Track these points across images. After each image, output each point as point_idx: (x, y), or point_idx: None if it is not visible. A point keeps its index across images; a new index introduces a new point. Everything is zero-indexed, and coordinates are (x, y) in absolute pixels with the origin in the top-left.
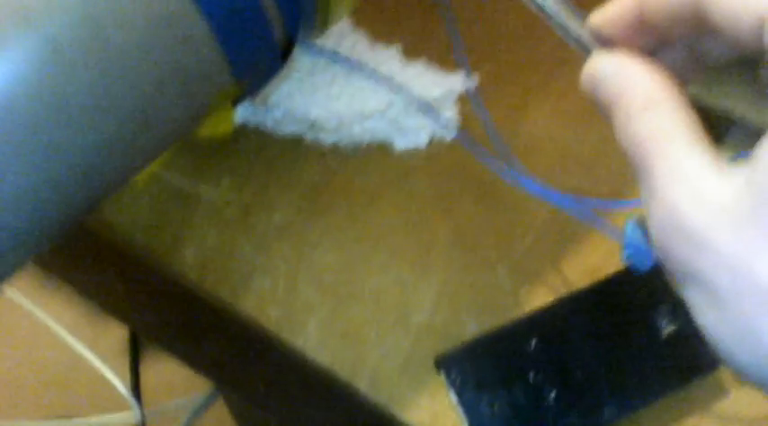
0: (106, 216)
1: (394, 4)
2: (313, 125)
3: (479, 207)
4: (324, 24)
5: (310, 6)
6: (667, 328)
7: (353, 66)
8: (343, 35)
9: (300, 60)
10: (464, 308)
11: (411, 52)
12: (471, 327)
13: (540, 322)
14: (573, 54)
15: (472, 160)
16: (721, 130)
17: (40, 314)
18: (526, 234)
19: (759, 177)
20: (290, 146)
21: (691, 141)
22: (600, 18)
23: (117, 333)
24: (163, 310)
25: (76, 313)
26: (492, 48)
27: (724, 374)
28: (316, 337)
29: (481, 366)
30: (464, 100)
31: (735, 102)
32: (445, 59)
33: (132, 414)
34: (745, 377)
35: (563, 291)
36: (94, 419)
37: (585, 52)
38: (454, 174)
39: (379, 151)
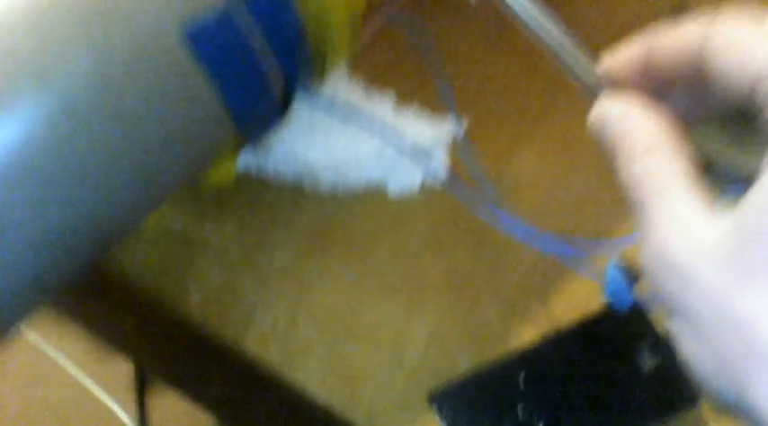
0: (115, 257)
1: (386, 55)
2: (312, 171)
3: (470, 248)
4: (321, 77)
5: (307, 63)
6: (649, 364)
7: (349, 114)
8: (339, 85)
9: (299, 110)
10: (456, 345)
11: (403, 100)
12: (463, 363)
13: (528, 358)
14: (557, 102)
15: (462, 203)
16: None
17: (48, 348)
18: (514, 273)
19: (744, 224)
20: (290, 192)
21: (685, 185)
22: (611, 61)
23: (124, 369)
24: (169, 347)
25: (84, 348)
26: (480, 96)
27: (704, 409)
28: (314, 373)
29: (472, 401)
30: (455, 144)
31: (720, 148)
32: (436, 106)
33: None
34: (722, 406)
35: (550, 328)
36: None
37: (594, 94)
38: (446, 217)
39: (374, 195)
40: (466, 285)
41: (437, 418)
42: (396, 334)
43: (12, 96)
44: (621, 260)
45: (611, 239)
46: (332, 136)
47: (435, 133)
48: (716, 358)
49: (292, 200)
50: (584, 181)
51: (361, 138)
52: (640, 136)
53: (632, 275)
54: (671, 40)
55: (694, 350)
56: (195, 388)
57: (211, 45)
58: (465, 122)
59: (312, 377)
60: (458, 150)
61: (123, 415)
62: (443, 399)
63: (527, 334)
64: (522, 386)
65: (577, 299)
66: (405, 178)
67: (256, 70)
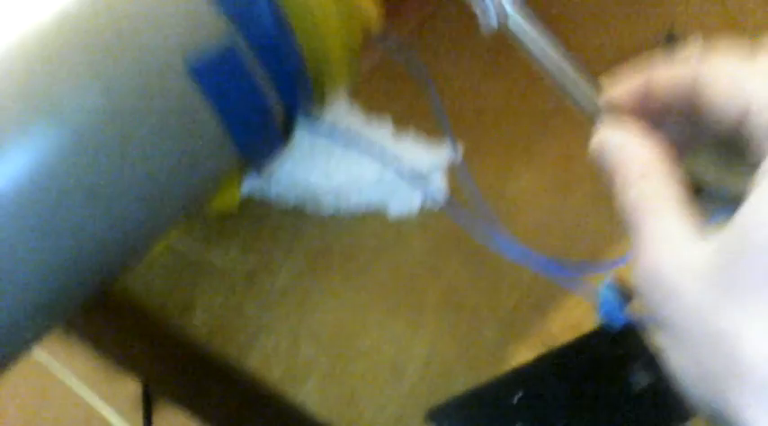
0: (123, 280)
1: (385, 84)
2: (313, 195)
3: (468, 268)
4: (321, 106)
5: (308, 94)
6: (642, 382)
7: (350, 140)
8: (339, 112)
9: (301, 136)
10: (454, 364)
11: (402, 126)
12: (461, 381)
13: (524, 376)
14: (550, 127)
15: (460, 226)
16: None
17: (56, 368)
18: (511, 293)
19: (728, 244)
20: (293, 215)
21: (677, 208)
22: (613, 90)
23: (131, 387)
24: (175, 366)
25: (92, 367)
26: (477, 121)
27: (695, 425)
28: (316, 392)
29: (470, 418)
30: (453, 168)
31: (711, 173)
32: (434, 131)
33: None
34: (702, 412)
35: (546, 346)
36: None
37: (595, 120)
38: (444, 239)
39: (374, 218)
40: (464, 305)
41: None
42: (395, 353)
43: (25, 129)
44: (614, 280)
45: (605, 260)
46: (332, 161)
47: (433, 158)
48: (699, 369)
49: (294, 223)
50: (578, 203)
51: (361, 163)
52: (637, 163)
53: (625, 295)
54: (667, 74)
55: (680, 363)
56: (201, 407)
57: (214, 78)
58: (461, 147)
59: (313, 395)
60: (455, 174)
61: None
62: (441, 417)
63: (523, 353)
64: (518, 404)
65: (573, 318)
66: (404, 201)
67: (258, 102)
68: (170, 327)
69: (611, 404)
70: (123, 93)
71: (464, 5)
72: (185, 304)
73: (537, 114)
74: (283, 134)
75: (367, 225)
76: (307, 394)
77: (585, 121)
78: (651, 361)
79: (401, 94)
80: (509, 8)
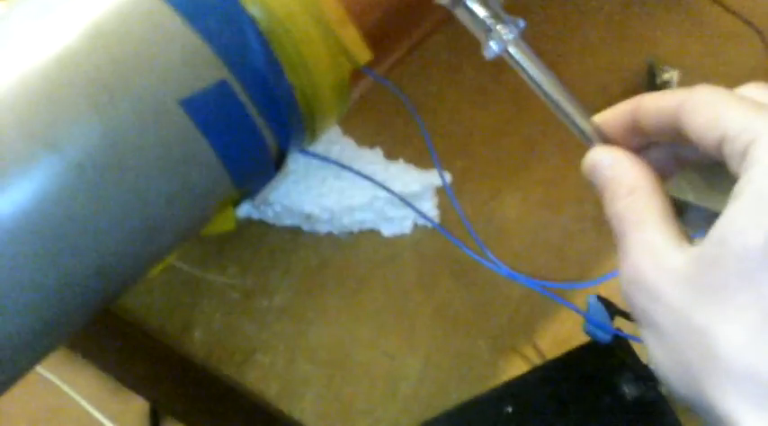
0: (124, 300)
1: (376, 113)
2: (308, 218)
3: (460, 287)
4: (312, 137)
5: (299, 127)
6: (632, 393)
7: (342, 166)
8: (332, 140)
9: (296, 163)
10: (447, 379)
11: (392, 153)
12: (454, 395)
13: (516, 390)
14: (537, 152)
15: (451, 245)
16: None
17: (63, 386)
18: (502, 310)
19: (704, 252)
20: (289, 236)
21: (660, 220)
22: (602, 118)
23: (138, 405)
24: (177, 384)
25: (98, 385)
26: (465, 147)
27: None
28: (312, 407)
29: None
30: (442, 192)
31: (693, 193)
32: (423, 157)
33: None
34: (682, 402)
35: (537, 361)
36: None
37: (587, 142)
38: (436, 258)
39: (367, 239)
40: (456, 321)
41: None
42: (389, 369)
43: (27, 161)
44: (601, 297)
45: (591, 278)
46: (326, 183)
47: (422, 183)
48: (677, 362)
49: (291, 244)
50: (564, 223)
51: (353, 189)
52: (625, 180)
53: (612, 308)
54: (653, 102)
55: (660, 357)
56: (204, 423)
57: (208, 112)
58: (449, 175)
59: (309, 410)
60: (444, 199)
61: None
62: None
63: (515, 367)
64: (509, 417)
65: (562, 333)
66: (397, 223)
67: (251, 134)
68: (170, 346)
69: (601, 416)
70: (121, 127)
71: (453, 35)
72: (185, 323)
73: (522, 141)
74: (276, 163)
75: (361, 245)
76: (303, 410)
77: (573, 145)
78: (641, 372)
79: (391, 123)
80: (508, 37)
